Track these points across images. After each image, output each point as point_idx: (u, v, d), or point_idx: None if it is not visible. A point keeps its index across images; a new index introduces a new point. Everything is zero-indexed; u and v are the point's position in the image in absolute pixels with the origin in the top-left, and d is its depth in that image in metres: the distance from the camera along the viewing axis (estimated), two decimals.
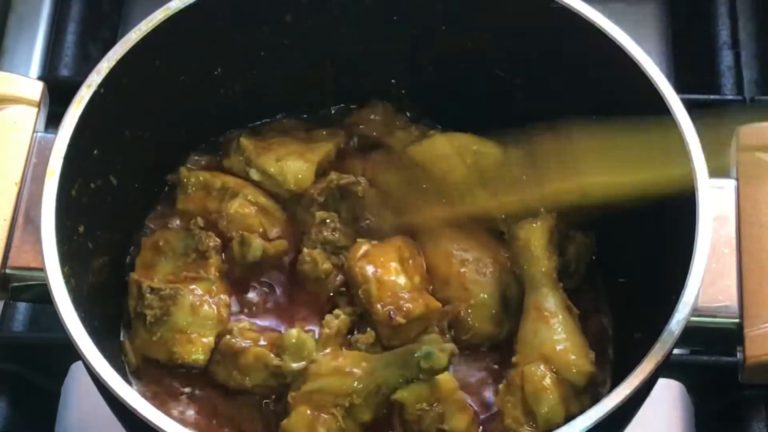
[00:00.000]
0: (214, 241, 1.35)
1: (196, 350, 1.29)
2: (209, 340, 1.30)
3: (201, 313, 1.30)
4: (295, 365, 1.25)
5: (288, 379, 1.25)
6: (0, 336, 1.54)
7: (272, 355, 1.26)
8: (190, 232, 1.35)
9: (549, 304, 1.30)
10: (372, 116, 1.47)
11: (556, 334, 1.28)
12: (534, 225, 1.32)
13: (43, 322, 1.57)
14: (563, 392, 1.25)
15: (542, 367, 1.25)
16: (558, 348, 1.27)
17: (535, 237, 1.32)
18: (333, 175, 1.38)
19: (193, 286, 1.32)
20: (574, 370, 1.26)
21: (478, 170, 1.41)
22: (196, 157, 1.44)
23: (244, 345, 1.28)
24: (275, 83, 1.44)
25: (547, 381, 1.25)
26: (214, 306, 1.31)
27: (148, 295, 1.30)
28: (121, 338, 1.34)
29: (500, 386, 1.27)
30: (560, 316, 1.29)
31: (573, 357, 1.26)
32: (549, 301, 1.31)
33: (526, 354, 1.27)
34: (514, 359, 1.28)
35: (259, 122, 1.47)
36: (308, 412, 1.21)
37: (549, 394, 1.24)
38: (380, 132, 1.47)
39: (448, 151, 1.41)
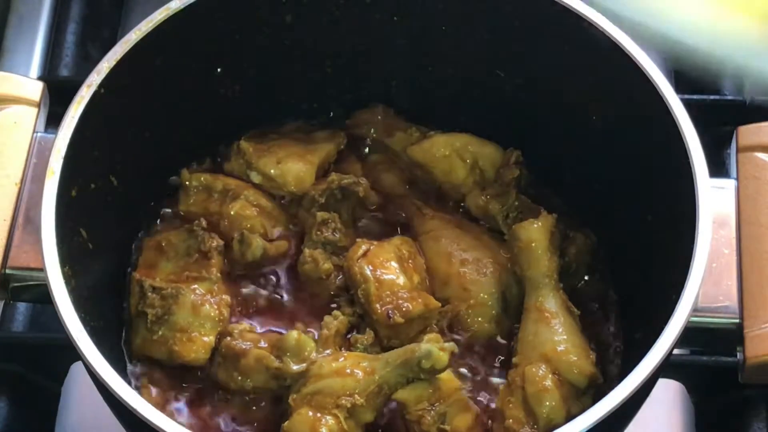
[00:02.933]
0: (216, 241, 1.35)
1: (197, 349, 1.29)
2: (210, 339, 1.30)
3: (202, 313, 1.30)
4: (295, 367, 1.25)
5: (288, 381, 1.25)
6: (0, 336, 1.54)
7: (273, 357, 1.26)
8: (193, 232, 1.36)
9: (550, 305, 1.30)
10: (372, 117, 1.47)
11: (556, 335, 1.28)
12: (535, 226, 1.32)
13: (43, 322, 1.57)
14: (564, 393, 1.25)
15: (543, 367, 1.25)
16: (559, 349, 1.27)
17: (537, 238, 1.32)
18: (334, 176, 1.39)
19: (195, 286, 1.32)
20: (575, 371, 1.26)
21: (478, 171, 1.41)
22: (198, 160, 1.45)
23: (244, 347, 1.28)
24: (275, 84, 1.44)
25: (548, 382, 1.25)
26: (215, 306, 1.32)
27: (149, 294, 1.31)
28: (122, 338, 1.34)
29: (501, 387, 1.27)
30: (561, 317, 1.29)
31: (574, 358, 1.26)
32: (550, 301, 1.31)
33: (527, 355, 1.27)
34: (514, 359, 1.28)
35: (258, 124, 1.47)
36: (310, 413, 1.21)
37: (550, 395, 1.24)
38: (380, 133, 1.47)
39: (448, 151, 1.42)
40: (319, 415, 1.21)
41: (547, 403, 1.24)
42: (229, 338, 1.29)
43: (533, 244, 1.32)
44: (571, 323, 1.30)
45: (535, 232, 1.32)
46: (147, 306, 1.30)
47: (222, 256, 1.35)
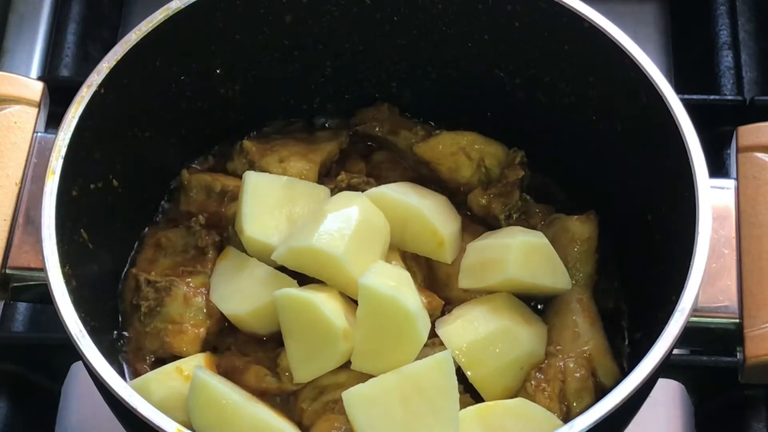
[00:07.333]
0: (212, 238, 1.36)
1: (188, 341, 1.30)
2: (201, 331, 1.31)
3: (194, 305, 1.31)
4: (293, 384, 1.26)
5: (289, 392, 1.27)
6: (0, 336, 1.54)
7: (271, 377, 1.27)
8: (191, 229, 1.36)
9: (591, 303, 1.32)
10: (377, 115, 1.47)
11: (597, 336, 1.30)
12: (595, 223, 1.34)
13: (43, 322, 1.57)
14: (597, 393, 1.26)
15: (586, 366, 1.27)
16: (602, 351, 1.29)
17: (593, 236, 1.34)
18: (343, 175, 1.38)
19: (189, 280, 1.32)
20: (611, 376, 1.28)
21: (484, 169, 1.41)
22: (200, 159, 1.45)
23: (244, 361, 1.29)
24: (275, 84, 1.44)
25: (590, 382, 1.27)
26: (207, 298, 1.32)
27: (144, 287, 1.32)
28: (119, 336, 1.34)
29: (532, 372, 1.27)
30: (599, 318, 1.31)
31: (611, 362, 1.29)
32: (591, 300, 1.33)
33: (567, 347, 1.29)
34: (550, 348, 1.29)
35: (259, 124, 1.47)
36: (336, 423, 1.22)
37: (590, 395, 1.26)
38: (385, 131, 1.47)
39: (455, 149, 1.42)
40: (338, 422, 1.22)
41: (587, 401, 1.25)
42: (227, 352, 1.30)
43: (590, 241, 1.34)
44: (601, 326, 1.31)
45: (593, 230, 1.33)
46: (141, 299, 1.31)
47: (218, 251, 1.36)
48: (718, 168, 1.59)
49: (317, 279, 1.28)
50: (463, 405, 1.20)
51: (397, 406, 1.17)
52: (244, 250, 1.34)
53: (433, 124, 1.47)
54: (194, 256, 1.35)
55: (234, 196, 1.38)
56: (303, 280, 1.29)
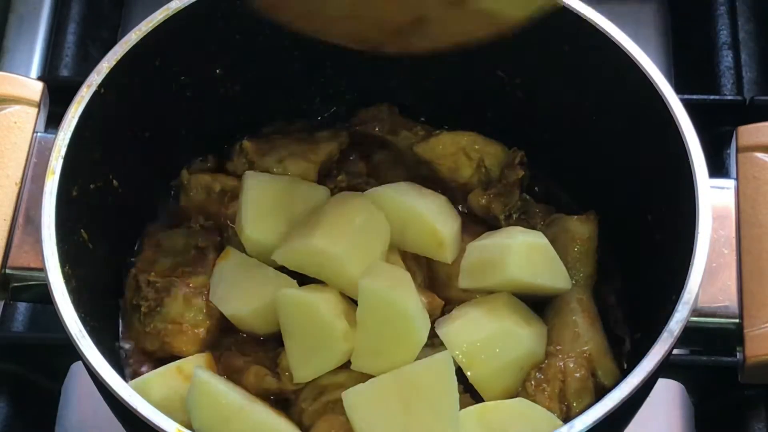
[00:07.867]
0: (212, 238, 1.36)
1: (188, 341, 1.30)
2: (200, 331, 1.31)
3: (194, 305, 1.31)
4: (293, 384, 1.26)
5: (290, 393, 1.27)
6: (0, 336, 1.54)
7: (271, 377, 1.27)
8: (191, 229, 1.37)
9: (591, 303, 1.32)
10: (377, 115, 1.47)
11: (597, 336, 1.30)
12: (595, 223, 1.34)
13: (43, 322, 1.57)
14: (597, 392, 1.26)
15: (586, 366, 1.27)
16: (601, 351, 1.29)
17: (593, 236, 1.34)
18: (343, 175, 1.39)
19: (189, 280, 1.32)
20: (610, 375, 1.28)
21: (483, 169, 1.41)
22: (200, 159, 1.45)
23: (244, 361, 1.29)
24: (275, 84, 1.44)
25: (590, 382, 1.27)
26: (207, 299, 1.32)
27: (144, 287, 1.32)
28: (119, 336, 1.34)
29: (532, 372, 1.27)
30: (599, 318, 1.31)
31: (610, 360, 1.29)
32: (591, 300, 1.33)
33: (567, 348, 1.28)
34: (550, 348, 1.29)
35: (259, 124, 1.47)
36: (329, 423, 1.22)
37: (590, 394, 1.26)
38: (385, 131, 1.47)
39: (455, 149, 1.42)
40: (339, 422, 1.22)
41: (586, 401, 1.25)
42: (227, 352, 1.30)
43: (590, 241, 1.34)
44: (601, 326, 1.31)
45: (593, 230, 1.33)
46: (141, 299, 1.32)
47: (218, 252, 1.36)
48: (718, 168, 1.59)
49: (317, 279, 1.28)
50: (463, 405, 1.20)
51: (396, 406, 1.17)
52: (244, 250, 1.34)
53: (433, 124, 1.47)
54: (194, 256, 1.35)
55: (234, 196, 1.38)
56: (303, 280, 1.29)
